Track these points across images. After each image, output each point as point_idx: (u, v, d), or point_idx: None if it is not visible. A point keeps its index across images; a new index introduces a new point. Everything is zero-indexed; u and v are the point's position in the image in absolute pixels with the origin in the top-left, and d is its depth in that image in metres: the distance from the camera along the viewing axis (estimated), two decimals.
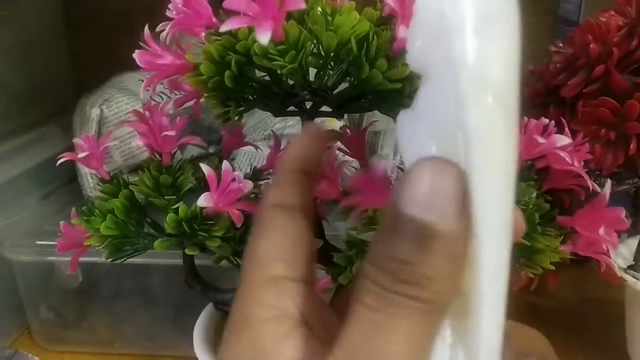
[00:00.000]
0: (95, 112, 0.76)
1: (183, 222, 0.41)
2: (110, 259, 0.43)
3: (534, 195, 0.39)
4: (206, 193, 0.40)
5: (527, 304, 0.68)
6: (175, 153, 0.45)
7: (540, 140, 0.38)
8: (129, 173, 0.76)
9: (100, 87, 0.80)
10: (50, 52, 0.95)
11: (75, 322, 0.67)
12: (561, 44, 0.52)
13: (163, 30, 0.39)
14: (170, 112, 0.44)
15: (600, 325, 0.67)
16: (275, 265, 0.25)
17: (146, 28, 0.39)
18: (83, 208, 0.45)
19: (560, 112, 0.44)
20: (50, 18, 0.95)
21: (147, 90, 0.41)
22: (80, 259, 0.45)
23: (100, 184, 0.47)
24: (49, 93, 0.91)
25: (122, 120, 0.73)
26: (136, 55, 0.39)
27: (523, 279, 0.44)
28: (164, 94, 0.64)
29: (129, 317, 0.65)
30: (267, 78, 0.37)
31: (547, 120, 0.39)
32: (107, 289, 0.65)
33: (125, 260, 0.44)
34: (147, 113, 0.45)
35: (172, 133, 0.44)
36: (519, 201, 0.31)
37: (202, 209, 0.40)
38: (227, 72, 0.35)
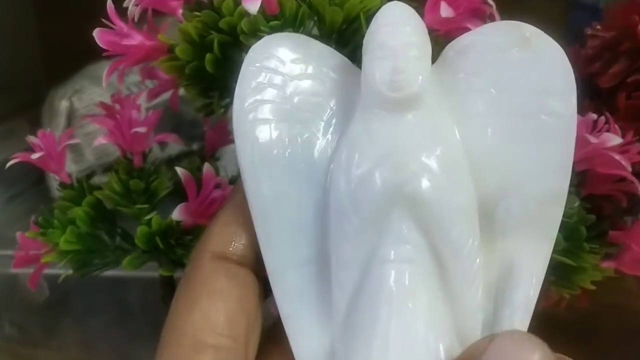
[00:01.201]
0: (64, 105, 0.68)
1: (156, 237, 0.36)
2: (77, 274, 0.39)
3: (577, 204, 0.33)
4: (182, 204, 0.35)
5: (539, 311, 0.62)
6: (149, 152, 0.40)
7: (592, 139, 0.32)
8: (104, 173, 0.69)
9: (68, 76, 0.72)
10: (19, 40, 0.88)
11: (43, 340, 0.64)
12: (598, 26, 0.46)
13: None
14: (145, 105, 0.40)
15: (619, 335, 0.62)
16: (207, 348, 0.22)
17: (109, 1, 0.33)
18: (40, 218, 0.39)
19: (595, 106, 0.38)
20: (18, 3, 0.88)
21: (126, 81, 0.35)
22: (47, 271, 0.40)
23: (60, 188, 0.40)
24: (17, 84, 0.84)
25: (87, 114, 0.66)
26: (96, 34, 0.32)
27: (553, 297, 0.38)
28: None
29: (103, 334, 0.61)
30: None
31: (594, 116, 0.33)
32: (78, 303, 0.62)
33: (94, 275, 0.40)
34: (116, 106, 0.39)
35: (142, 129, 0.38)
36: None
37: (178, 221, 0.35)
38: (207, 56, 0.31)
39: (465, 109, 0.27)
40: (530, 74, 0.26)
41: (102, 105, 0.40)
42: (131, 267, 0.37)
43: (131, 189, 0.38)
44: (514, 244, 0.25)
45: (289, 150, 0.26)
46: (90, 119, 0.40)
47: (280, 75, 0.27)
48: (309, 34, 0.32)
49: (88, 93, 0.69)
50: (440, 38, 0.33)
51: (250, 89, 0.26)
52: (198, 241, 0.27)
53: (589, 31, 0.46)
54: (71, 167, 0.69)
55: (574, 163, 0.34)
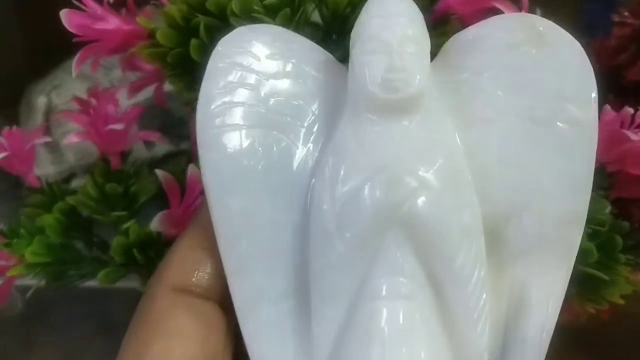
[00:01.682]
0: (42, 101, 0.63)
1: (134, 248, 0.32)
2: (50, 287, 0.35)
3: (608, 210, 0.29)
4: (163, 212, 0.32)
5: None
6: (130, 153, 0.37)
7: (633, 136, 0.28)
8: (86, 175, 0.64)
9: (51, 71, 0.67)
10: None
11: (19, 355, 0.59)
12: (626, 13, 0.42)
13: None
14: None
15: (632, 343, 0.58)
16: None
17: None
18: (6, 227, 0.35)
19: (621, 101, 0.34)
20: None
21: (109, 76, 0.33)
22: (21, 282, 0.36)
23: (28, 193, 0.36)
24: None
25: (61, 111, 0.62)
26: (63, 16, 0.28)
27: (575, 311, 0.34)
28: None
29: (84, 348, 0.58)
30: None
31: (631, 110, 0.30)
32: (57, 315, 0.57)
33: (70, 286, 0.36)
34: (92, 101, 0.35)
35: (119, 126, 0.34)
36: (588, 218, 0.23)
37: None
38: (193, 41, 0.27)
39: (470, 113, 0.23)
40: (544, 74, 0.22)
41: (77, 99, 0.36)
42: (107, 281, 0.33)
43: (108, 194, 0.34)
44: (525, 270, 0.22)
45: (262, 162, 0.22)
46: (63, 115, 0.35)
47: (254, 73, 0.23)
48: (308, 21, 0.28)
49: (68, 88, 0.64)
50: (456, 22, 0.30)
51: (218, 90, 0.22)
52: (155, 270, 0.23)
53: (615, 18, 0.42)
54: (49, 169, 0.65)
55: (604, 163, 0.31)
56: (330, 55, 0.25)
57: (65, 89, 0.64)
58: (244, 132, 0.22)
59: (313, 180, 0.22)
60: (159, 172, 0.33)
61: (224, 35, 0.27)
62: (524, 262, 0.22)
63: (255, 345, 0.21)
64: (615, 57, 0.40)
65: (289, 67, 0.23)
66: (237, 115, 0.22)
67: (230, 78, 0.23)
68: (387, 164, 0.21)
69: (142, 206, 0.35)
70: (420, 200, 0.20)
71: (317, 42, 0.29)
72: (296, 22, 0.27)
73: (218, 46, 0.23)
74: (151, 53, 0.29)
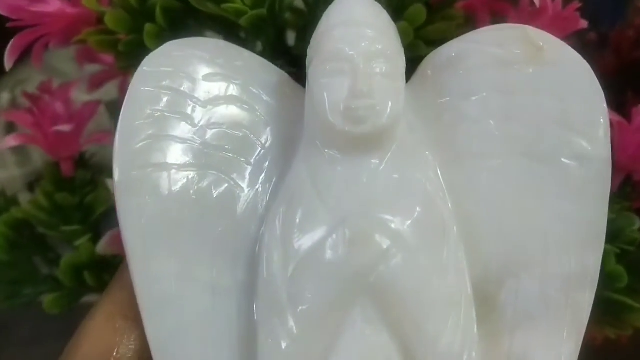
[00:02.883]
0: (5, 97, 0.59)
1: (85, 271, 0.28)
2: (2, 307, 0.31)
3: (637, 226, 0.25)
4: (113, 231, 0.28)
5: None
6: (90, 158, 0.32)
7: None
8: None
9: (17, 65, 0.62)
10: None
11: None
12: None
13: None
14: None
15: None
16: None
17: None
18: None
19: None
20: None
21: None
22: None
23: None
24: None
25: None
26: None
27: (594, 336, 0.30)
28: None
29: None
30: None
31: None
32: (23, 331, 0.52)
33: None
34: (46, 97, 0.30)
35: (65, 128, 0.29)
36: (615, 236, 0.21)
37: None
38: (148, 27, 0.23)
39: (455, 147, 0.19)
40: (544, 98, 0.18)
41: (26, 95, 0.31)
42: (55, 307, 0.29)
43: (59, 206, 0.29)
44: (525, 342, 0.18)
45: (197, 211, 0.18)
46: (5, 115, 0.31)
47: (187, 98, 0.18)
48: (288, 5, 0.24)
49: (35, 83, 0.59)
50: (459, 14, 0.25)
51: (142, 120, 0.18)
52: (68, 343, 0.18)
53: (638, 3, 0.38)
54: (15, 172, 0.60)
55: (631, 172, 0.27)
56: (285, 75, 0.20)
57: (32, 84, 0.59)
58: (173, 173, 0.18)
59: (262, 228, 0.18)
60: (110, 182, 0.29)
61: (185, 20, 0.23)
62: (523, 333, 0.18)
63: None
64: (637, 48, 0.36)
65: (232, 91, 0.19)
66: (165, 153, 0.18)
67: (158, 105, 0.18)
68: (352, 215, 0.16)
69: (100, 219, 0.30)
70: (394, 264, 0.16)
71: (299, 31, 0.24)
72: (271, 5, 0.22)
73: (143, 65, 0.18)
74: (100, 41, 0.25)
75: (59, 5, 0.26)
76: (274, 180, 0.19)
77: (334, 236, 0.16)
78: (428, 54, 0.21)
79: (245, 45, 0.24)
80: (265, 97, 0.19)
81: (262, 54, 0.24)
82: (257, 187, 0.18)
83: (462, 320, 0.16)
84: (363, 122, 0.17)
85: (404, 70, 0.18)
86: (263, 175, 0.19)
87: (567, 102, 0.18)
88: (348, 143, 0.17)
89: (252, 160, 0.19)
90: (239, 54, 0.20)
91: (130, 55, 0.25)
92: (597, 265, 0.18)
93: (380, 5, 0.18)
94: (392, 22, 0.19)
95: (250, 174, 0.18)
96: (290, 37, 0.26)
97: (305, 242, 0.16)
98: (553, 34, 0.22)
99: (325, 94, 0.17)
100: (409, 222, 0.16)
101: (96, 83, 0.32)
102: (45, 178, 0.31)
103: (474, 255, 0.18)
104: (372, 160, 0.17)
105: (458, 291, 0.17)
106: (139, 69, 0.18)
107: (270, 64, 0.20)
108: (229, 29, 0.25)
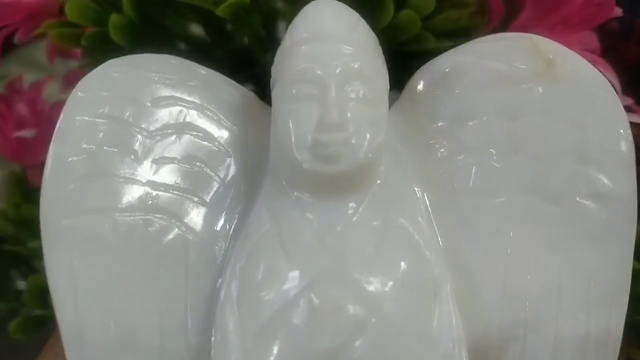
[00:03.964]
0: None
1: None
2: None
3: None
4: None
5: None
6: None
7: None
8: None
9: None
10: None
11: None
12: None
13: None
14: None
15: None
16: None
17: None
18: None
19: None
20: None
21: None
22: None
23: None
24: None
25: None
26: None
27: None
28: None
29: None
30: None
31: None
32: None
33: None
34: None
35: (27, 133, 0.26)
36: None
37: None
38: (113, 18, 0.20)
39: (450, 182, 0.16)
40: (557, 124, 0.15)
41: None
42: (20, 332, 0.26)
43: (25, 219, 0.26)
44: None
45: (141, 265, 0.15)
46: None
47: (131, 128, 0.16)
48: None
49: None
50: (472, 1, 0.22)
51: (74, 157, 0.15)
52: None
53: None
54: None
55: None
56: (252, 95, 0.17)
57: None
58: (112, 221, 0.15)
59: (219, 281, 0.15)
60: None
61: (160, 11, 0.20)
62: None
63: None
64: None
65: (185, 117, 0.16)
66: (102, 195, 0.15)
67: (95, 137, 0.15)
68: (321, 277, 0.13)
69: None
70: (371, 340, 0.13)
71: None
72: None
73: (77, 89, 0.16)
74: (60, 34, 0.22)
75: None
76: (234, 222, 0.16)
77: (300, 304, 0.13)
78: (437, 47, 0.18)
79: (230, 40, 0.22)
80: (225, 123, 0.16)
81: (247, 50, 0.22)
82: (215, 231, 0.16)
83: None
84: (335, 160, 0.14)
85: (386, 92, 0.15)
86: (222, 217, 0.16)
87: (584, 128, 0.15)
88: (318, 184, 0.14)
89: (208, 200, 0.16)
90: (194, 72, 0.17)
91: (94, 51, 0.22)
92: (619, 324, 0.15)
93: (356, 13, 0.15)
94: (372, 33, 0.16)
95: (205, 216, 0.16)
96: (283, 29, 0.23)
97: (265, 310, 0.13)
98: (582, 25, 0.19)
99: (290, 124, 0.14)
100: (391, 283, 0.14)
101: (72, 80, 0.29)
102: (11, 188, 0.28)
103: (473, 315, 0.15)
104: (349, 204, 0.14)
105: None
106: (72, 94, 0.15)
107: (233, 82, 0.17)
108: (211, 21, 0.22)
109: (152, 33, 0.22)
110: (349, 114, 0.14)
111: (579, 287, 0.15)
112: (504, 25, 0.22)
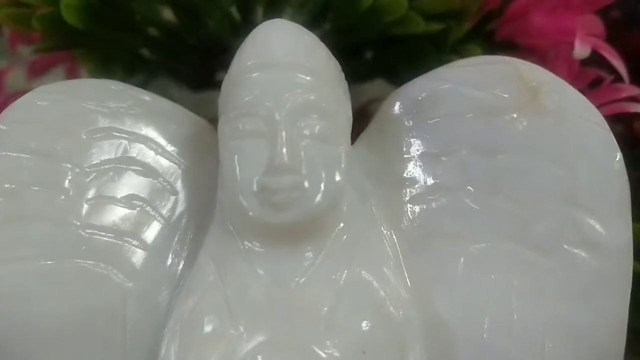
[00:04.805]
0: None
1: None
2: None
3: None
4: None
5: None
6: None
7: None
8: None
9: None
10: None
11: None
12: None
13: None
14: None
15: None
16: None
17: None
18: None
19: None
20: None
21: None
22: None
23: None
24: None
25: None
26: None
27: None
28: None
29: None
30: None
31: None
32: None
33: None
34: None
35: None
36: None
37: None
38: None
39: (422, 224, 0.14)
40: (542, 162, 0.14)
41: None
42: None
43: None
44: None
45: (71, 327, 0.13)
46: None
47: (61, 163, 0.14)
48: None
49: None
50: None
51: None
52: None
53: None
54: None
55: None
56: (205, 123, 0.16)
57: None
58: (39, 268, 0.13)
59: (166, 329, 0.13)
60: None
61: None
62: None
63: None
64: None
65: (125, 150, 0.14)
66: (25, 242, 0.13)
67: (18, 176, 0.13)
68: (268, 343, 0.12)
69: None
70: None
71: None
72: None
73: (0, 123, 0.14)
74: (10, 15, 0.20)
75: None
76: (180, 267, 0.14)
77: None
78: (427, 30, 0.17)
79: (202, 25, 0.20)
80: (172, 157, 0.15)
81: (219, 36, 0.20)
82: (157, 280, 0.14)
83: None
84: (285, 207, 0.12)
85: (348, 126, 0.13)
86: (167, 262, 0.14)
87: (572, 167, 0.13)
88: (269, 233, 0.12)
89: (150, 243, 0.14)
90: (137, 99, 0.15)
91: (52, 35, 0.20)
92: None
93: (314, 36, 0.14)
94: (333, 58, 0.14)
95: (147, 261, 0.14)
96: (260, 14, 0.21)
97: None
98: (584, 8, 0.17)
99: (236, 164, 0.12)
100: (351, 350, 0.12)
101: (37, 70, 0.26)
102: None
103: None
104: (305, 254, 0.13)
105: None
106: None
107: (184, 110, 0.15)
108: (182, 4, 0.20)
109: (115, 16, 0.20)
110: (302, 154, 0.12)
111: (566, 347, 0.13)
112: (500, 9, 0.20)
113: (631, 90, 0.18)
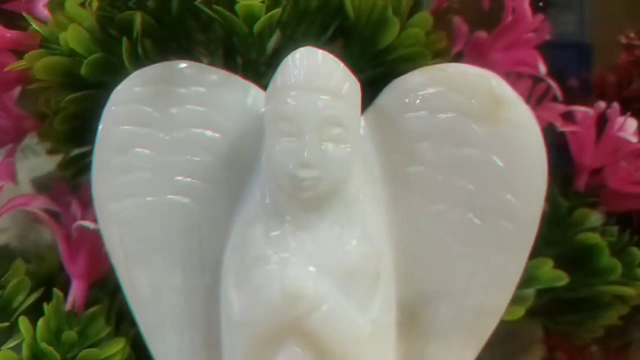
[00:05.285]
0: None
1: None
2: None
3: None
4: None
5: None
6: None
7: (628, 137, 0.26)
8: None
9: None
10: None
11: None
12: (632, 34, 0.35)
13: None
14: None
15: None
16: None
17: None
18: None
19: None
20: None
21: None
22: None
23: None
24: None
25: None
26: None
27: None
28: None
29: None
30: None
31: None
32: None
33: None
34: None
35: None
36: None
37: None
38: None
39: (404, 185, 0.20)
40: (492, 157, 0.19)
41: None
42: None
43: None
44: (436, 346, 0.21)
45: (168, 232, 0.20)
46: None
47: (157, 132, 0.20)
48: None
49: None
50: None
51: (112, 158, 0.20)
52: None
53: (622, 40, 0.36)
54: None
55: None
56: (256, 93, 0.21)
57: None
58: (146, 201, 0.20)
59: (232, 239, 0.21)
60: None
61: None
62: (436, 341, 0.21)
63: None
64: (627, 86, 0.34)
65: (198, 120, 0.20)
66: (138, 183, 0.20)
67: (128, 141, 0.20)
68: (293, 268, 0.19)
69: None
70: (320, 313, 0.18)
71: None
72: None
73: (110, 104, 0.19)
74: (53, 63, 0.22)
75: None
76: (237, 202, 0.21)
77: (275, 285, 0.19)
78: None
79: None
80: (228, 124, 0.20)
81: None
82: (221, 209, 0.21)
83: (381, 349, 0.20)
84: (306, 189, 0.18)
85: (357, 129, 0.19)
86: (226, 198, 0.21)
87: (512, 165, 0.19)
88: (294, 202, 0.19)
89: (216, 185, 0.20)
90: (207, 77, 0.20)
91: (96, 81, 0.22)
92: (506, 303, 0.21)
93: (337, 60, 0.18)
94: (349, 75, 0.18)
95: (215, 197, 0.21)
96: None
97: (252, 283, 0.19)
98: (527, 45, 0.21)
99: (276, 153, 0.18)
100: (343, 272, 0.19)
101: None
102: None
103: (408, 280, 0.20)
104: (319, 216, 0.19)
105: (379, 322, 0.20)
106: (107, 108, 0.19)
107: (239, 81, 0.20)
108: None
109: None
110: (319, 154, 0.18)
111: (484, 277, 0.20)
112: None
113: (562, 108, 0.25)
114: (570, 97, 0.32)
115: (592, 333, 0.31)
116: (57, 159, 0.29)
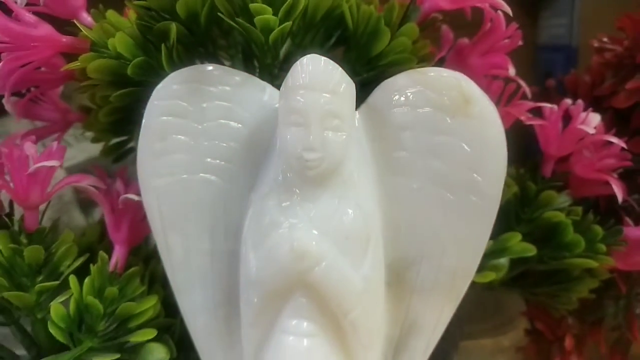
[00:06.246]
0: None
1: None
2: None
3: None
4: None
5: None
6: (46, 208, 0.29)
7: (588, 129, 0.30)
8: None
9: None
10: None
11: None
12: (605, 39, 0.39)
13: None
14: None
15: None
16: None
17: None
18: None
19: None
20: None
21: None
22: None
23: None
24: None
25: None
26: None
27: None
28: None
29: None
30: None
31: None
32: None
33: None
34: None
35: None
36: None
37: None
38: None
39: (391, 166, 0.25)
40: (461, 144, 0.23)
41: None
42: None
43: (17, 266, 0.26)
44: (419, 303, 0.26)
45: (199, 204, 0.25)
46: None
47: (191, 122, 0.24)
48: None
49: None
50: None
51: (156, 142, 0.24)
52: None
53: (595, 44, 0.40)
54: None
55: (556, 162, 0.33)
56: (271, 92, 0.25)
57: None
58: (182, 179, 0.25)
59: (246, 222, 0.25)
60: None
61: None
62: (419, 298, 0.26)
63: (198, 342, 0.27)
64: (598, 85, 0.38)
65: (223, 113, 0.25)
66: (174, 164, 0.25)
67: (167, 129, 0.24)
68: (300, 231, 0.23)
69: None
70: (322, 268, 0.23)
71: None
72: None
73: (153, 100, 0.24)
74: (103, 64, 0.26)
75: (47, 30, 0.26)
76: (255, 180, 0.25)
77: (285, 243, 0.23)
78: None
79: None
80: (249, 119, 0.25)
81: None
82: (242, 185, 0.25)
83: (371, 300, 0.25)
84: (312, 169, 0.23)
85: (353, 120, 0.23)
86: (247, 176, 0.25)
87: (478, 150, 0.23)
88: (303, 180, 0.23)
89: (239, 166, 0.25)
90: (229, 79, 0.25)
91: (139, 79, 0.26)
92: (476, 266, 0.25)
93: (336, 65, 0.23)
94: (345, 76, 0.23)
95: (237, 176, 0.25)
96: None
97: (267, 244, 0.23)
98: (501, 51, 0.26)
99: (288, 139, 0.23)
100: (340, 236, 0.23)
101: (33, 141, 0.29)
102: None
103: (394, 246, 0.25)
104: (322, 190, 0.23)
105: (369, 282, 0.24)
106: (150, 102, 0.24)
107: (257, 82, 0.25)
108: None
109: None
110: (322, 140, 0.22)
111: (457, 241, 0.25)
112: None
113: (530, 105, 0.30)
114: (547, 96, 0.36)
115: (567, 305, 0.35)
116: (87, 151, 0.33)
